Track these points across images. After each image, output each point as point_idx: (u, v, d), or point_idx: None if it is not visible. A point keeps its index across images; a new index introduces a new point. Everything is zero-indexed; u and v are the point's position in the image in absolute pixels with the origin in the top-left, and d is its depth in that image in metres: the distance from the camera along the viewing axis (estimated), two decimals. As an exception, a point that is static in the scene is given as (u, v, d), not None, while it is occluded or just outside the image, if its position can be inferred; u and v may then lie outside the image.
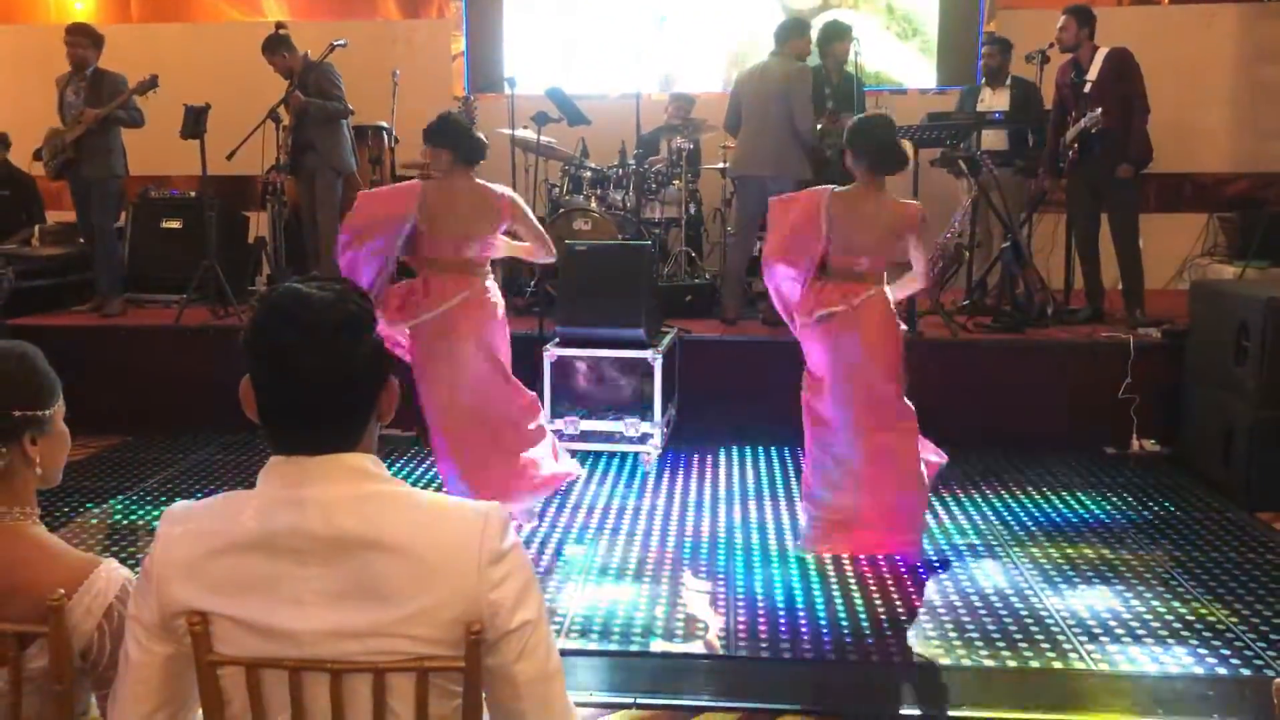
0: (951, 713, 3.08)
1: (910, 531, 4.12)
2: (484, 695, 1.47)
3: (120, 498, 4.99)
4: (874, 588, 3.92)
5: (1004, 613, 3.70)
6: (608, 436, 5.26)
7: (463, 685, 1.43)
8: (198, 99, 6.55)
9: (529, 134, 6.79)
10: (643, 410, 5.19)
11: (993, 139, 6.90)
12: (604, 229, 6.59)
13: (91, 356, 6.11)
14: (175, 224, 7.50)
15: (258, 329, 1.44)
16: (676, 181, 7.12)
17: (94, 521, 4.69)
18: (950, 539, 4.44)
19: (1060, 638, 3.50)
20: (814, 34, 6.65)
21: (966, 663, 3.35)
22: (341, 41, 6.74)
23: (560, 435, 5.22)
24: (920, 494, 4.08)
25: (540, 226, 4.44)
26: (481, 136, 4.37)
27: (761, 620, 3.65)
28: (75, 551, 1.71)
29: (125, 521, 4.70)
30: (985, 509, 4.81)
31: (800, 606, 3.77)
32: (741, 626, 3.61)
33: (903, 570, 4.07)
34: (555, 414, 5.23)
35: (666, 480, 5.24)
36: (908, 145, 4.88)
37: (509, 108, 6.41)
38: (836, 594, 3.87)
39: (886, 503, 4.10)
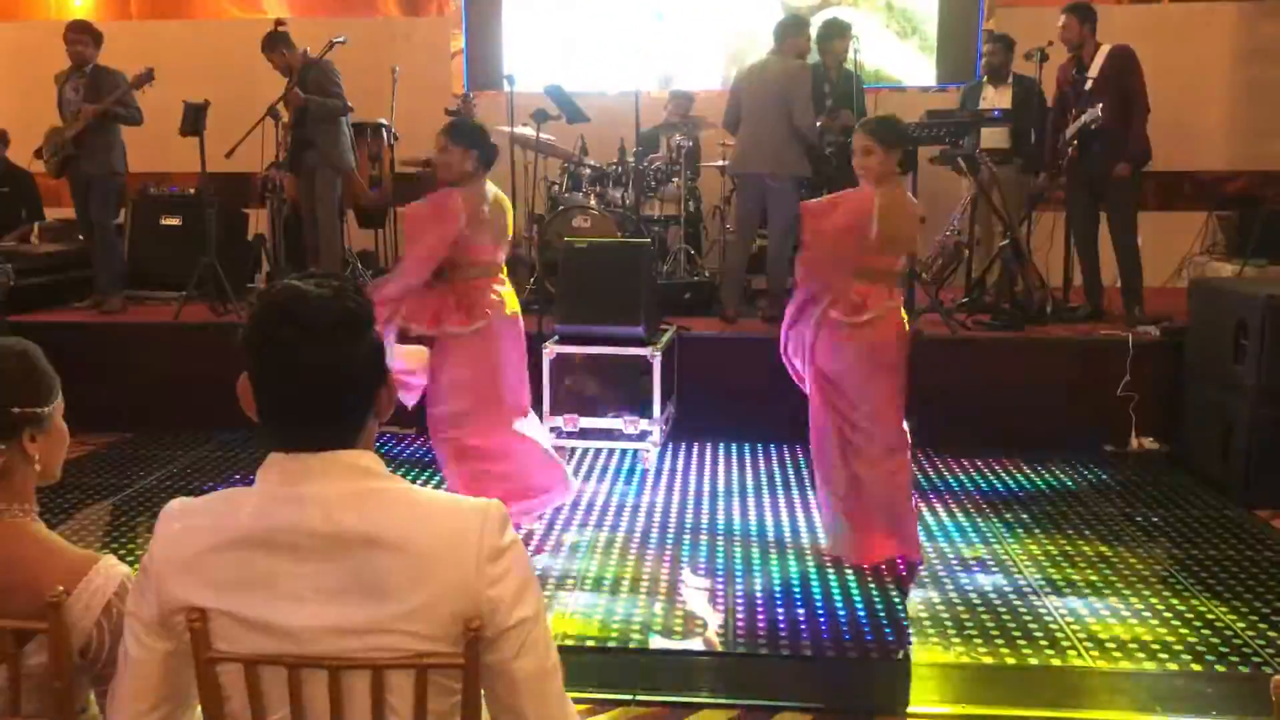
0: (951, 710, 3.09)
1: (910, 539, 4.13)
2: (482, 692, 1.48)
3: (119, 495, 5.00)
4: (873, 585, 3.92)
5: (1003, 610, 3.70)
6: (607, 434, 5.26)
7: (461, 682, 1.43)
8: (197, 96, 6.55)
9: (528, 131, 6.78)
10: (642, 408, 5.19)
11: (995, 137, 6.89)
12: (603, 227, 6.59)
13: (91, 354, 6.10)
14: (175, 221, 7.50)
15: (256, 326, 1.43)
16: (676, 179, 7.11)
17: (93, 518, 4.69)
18: (949, 537, 4.44)
19: (1059, 635, 3.50)
20: (813, 32, 6.64)
21: (966, 660, 3.36)
22: (341, 39, 6.73)
23: (559, 432, 5.23)
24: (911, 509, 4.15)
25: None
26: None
27: (760, 617, 3.66)
28: (74, 548, 1.71)
29: (124, 518, 4.70)
30: (984, 506, 4.81)
31: (799, 603, 3.77)
32: (740, 623, 3.62)
33: (901, 568, 4.07)
34: (555, 411, 5.23)
35: (665, 477, 5.24)
36: None
37: (508, 105, 6.40)
38: (835, 591, 3.88)
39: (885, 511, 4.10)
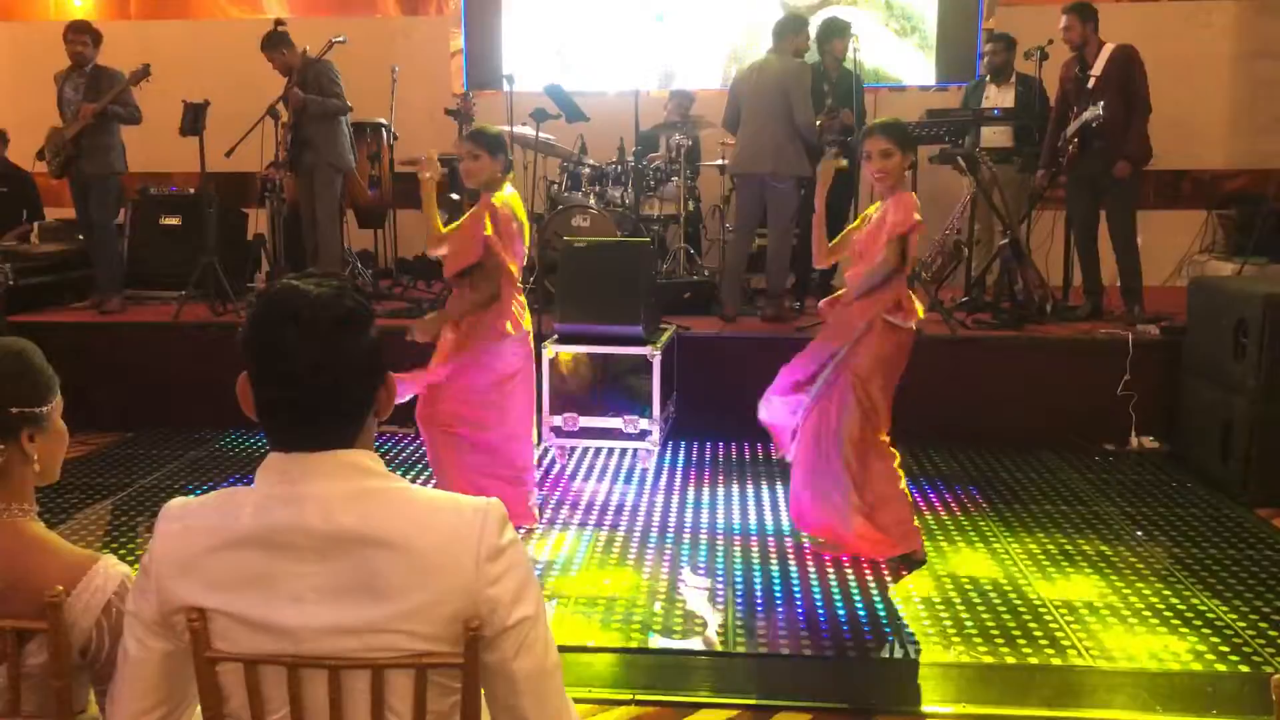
0: (950, 709, 3.08)
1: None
2: (482, 692, 1.47)
3: (119, 495, 5.00)
4: (873, 584, 3.92)
5: (1002, 609, 3.70)
6: (606, 433, 5.26)
7: (461, 682, 1.43)
8: (197, 96, 6.55)
9: (528, 131, 6.78)
10: (641, 407, 5.19)
11: (999, 136, 6.89)
12: (603, 226, 6.59)
13: (91, 353, 6.11)
14: (174, 221, 7.50)
15: (255, 325, 1.43)
16: (675, 179, 7.11)
17: (93, 518, 4.69)
18: (949, 535, 4.44)
19: (1059, 634, 3.50)
20: (812, 31, 6.64)
21: (966, 659, 3.35)
22: (341, 38, 6.74)
23: (559, 432, 5.23)
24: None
25: None
26: None
27: (760, 617, 3.66)
28: (74, 548, 1.71)
29: (124, 518, 4.70)
30: (983, 505, 4.82)
31: (799, 604, 3.77)
32: (740, 623, 3.62)
33: (901, 567, 4.07)
34: (554, 411, 5.23)
35: (665, 477, 5.24)
36: None
37: (507, 104, 6.40)
38: (835, 590, 3.88)
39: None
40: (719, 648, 3.46)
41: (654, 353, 5.17)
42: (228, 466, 5.44)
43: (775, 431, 4.22)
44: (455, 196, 7.01)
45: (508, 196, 4.19)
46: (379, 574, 1.39)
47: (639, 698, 3.12)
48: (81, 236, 7.12)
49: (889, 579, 3.97)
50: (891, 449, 4.05)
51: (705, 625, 3.61)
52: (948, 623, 3.60)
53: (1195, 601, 3.76)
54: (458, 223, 4.42)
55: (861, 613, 3.69)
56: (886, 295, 3.92)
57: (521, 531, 4.34)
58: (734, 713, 3.05)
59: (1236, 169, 8.30)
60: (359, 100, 7.03)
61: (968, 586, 3.91)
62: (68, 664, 1.60)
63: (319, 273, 1.49)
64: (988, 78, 7.13)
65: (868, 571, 4.04)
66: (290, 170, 6.86)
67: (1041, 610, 3.69)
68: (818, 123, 6.42)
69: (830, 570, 4.06)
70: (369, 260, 7.97)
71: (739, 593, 3.88)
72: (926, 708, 3.11)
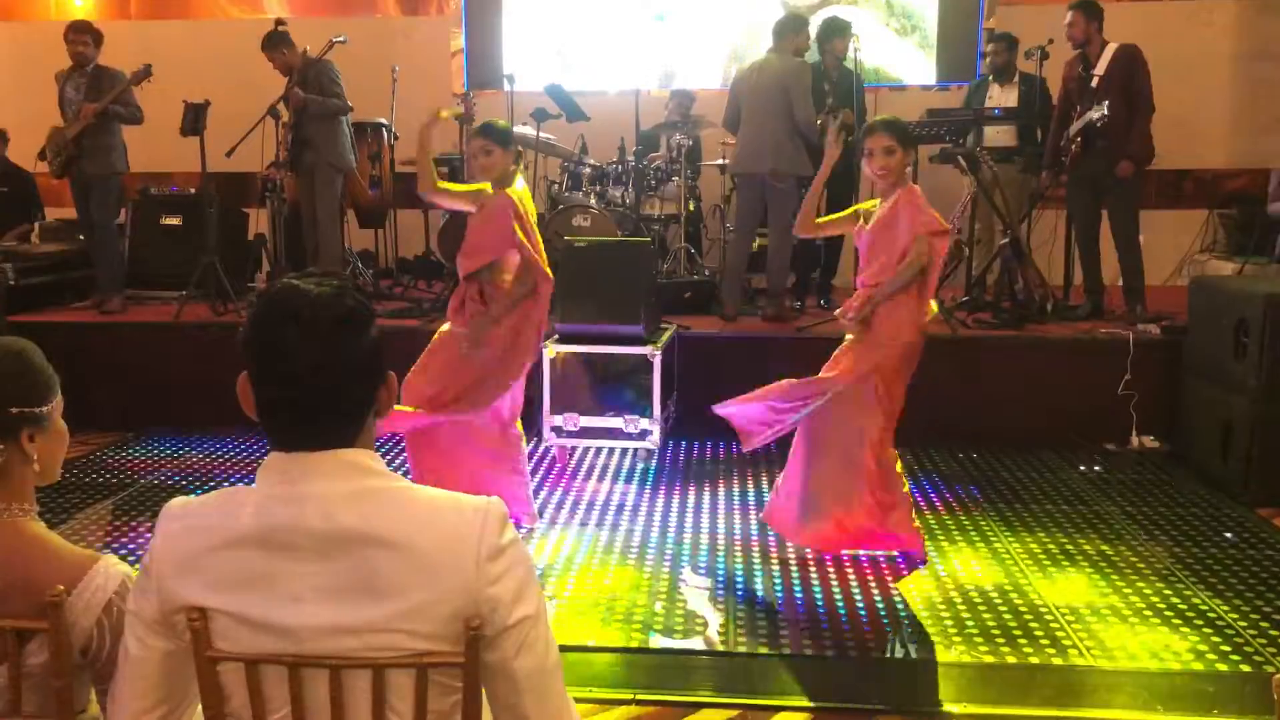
0: (950, 708, 3.08)
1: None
2: (483, 691, 1.47)
3: (119, 495, 5.00)
4: (873, 583, 3.92)
5: (1003, 608, 3.70)
6: (607, 432, 5.26)
7: (462, 681, 1.43)
8: (197, 96, 6.55)
9: (528, 130, 6.78)
10: (642, 406, 5.19)
11: (1002, 135, 6.89)
12: (603, 226, 6.59)
13: (91, 353, 6.11)
14: (175, 221, 7.50)
15: (256, 325, 1.43)
16: (676, 178, 7.11)
17: (93, 518, 4.69)
18: (949, 535, 4.44)
19: (1060, 633, 3.50)
20: (813, 30, 6.64)
21: (966, 658, 3.35)
22: (341, 38, 6.74)
23: (559, 431, 5.23)
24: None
25: None
26: None
27: (760, 616, 3.66)
28: (74, 548, 1.71)
29: (124, 518, 4.70)
30: (984, 505, 4.81)
31: (799, 603, 3.77)
32: (740, 623, 3.62)
33: (902, 566, 4.08)
34: (554, 410, 5.23)
35: (665, 477, 5.24)
36: None
37: (508, 104, 6.41)
38: (835, 590, 3.87)
39: None
40: (719, 647, 3.46)
41: (654, 352, 5.16)
42: (228, 466, 5.45)
43: (741, 425, 4.18)
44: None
45: (521, 191, 4.21)
46: (380, 573, 1.39)
47: (640, 697, 3.12)
48: (82, 236, 7.12)
49: (889, 579, 3.97)
50: (892, 449, 4.05)
51: (706, 625, 3.61)
52: (948, 622, 3.60)
53: (1196, 601, 3.76)
54: (462, 185, 4.46)
55: (862, 612, 3.69)
56: (912, 301, 3.91)
57: (521, 531, 4.34)
58: (734, 712, 3.05)
59: (1237, 169, 8.30)
60: (359, 100, 7.03)
61: (968, 586, 3.91)
62: (68, 664, 1.60)
63: (320, 272, 1.49)
64: (991, 77, 7.12)
65: (868, 571, 4.04)
66: (291, 170, 6.86)
67: (1042, 610, 3.69)
68: (818, 122, 6.42)
69: (830, 570, 4.06)
70: (369, 260, 7.97)
71: (739, 592, 3.88)
72: (927, 707, 3.11)
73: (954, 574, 4.03)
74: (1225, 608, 3.70)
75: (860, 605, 3.74)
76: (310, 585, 1.40)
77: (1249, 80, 8.20)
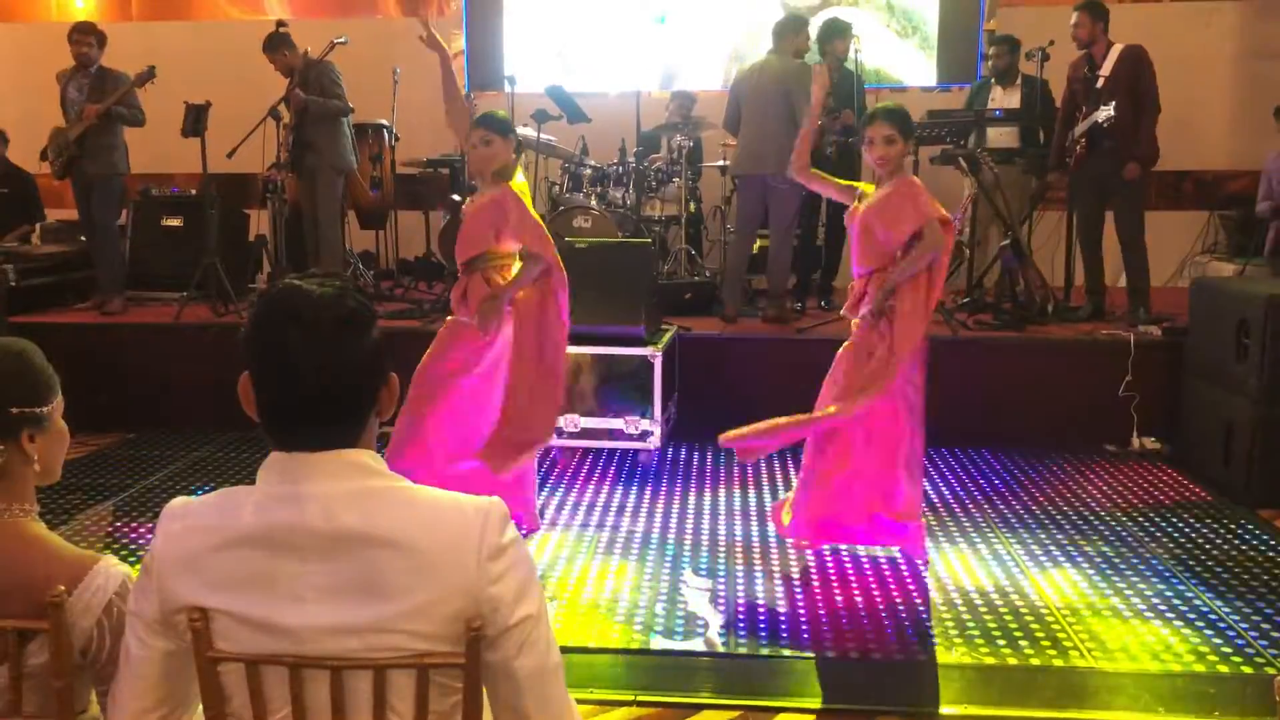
0: (951, 710, 3.08)
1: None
2: (484, 691, 1.47)
3: (120, 495, 5.00)
4: (874, 584, 3.92)
5: (1004, 609, 3.70)
6: (607, 434, 5.26)
7: (463, 681, 1.43)
8: (198, 97, 6.55)
9: (529, 132, 6.78)
10: (642, 408, 5.19)
11: (1004, 136, 6.89)
12: (604, 227, 6.59)
13: (92, 354, 6.11)
14: (176, 222, 7.49)
15: (257, 326, 1.43)
16: (677, 179, 7.11)
17: (94, 518, 4.69)
18: (949, 535, 4.44)
19: (1060, 634, 3.50)
20: (813, 32, 6.64)
21: (967, 660, 3.35)
22: (342, 39, 6.74)
23: (560, 433, 5.22)
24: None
25: None
26: None
27: (761, 617, 3.65)
28: (74, 548, 1.71)
29: (125, 518, 4.70)
30: (985, 506, 4.81)
31: (800, 604, 3.77)
32: (741, 624, 3.61)
33: (903, 567, 4.07)
34: (555, 411, 5.23)
35: (666, 478, 5.24)
36: None
37: (509, 105, 6.40)
38: (836, 591, 3.87)
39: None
40: (720, 648, 3.46)
41: (655, 353, 5.17)
42: (229, 467, 5.45)
43: (741, 449, 4.11)
44: (456, 198, 7.01)
45: (521, 185, 4.19)
46: (381, 573, 1.39)
47: (640, 699, 3.11)
48: (83, 237, 7.13)
49: (890, 579, 3.97)
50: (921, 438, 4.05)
51: (707, 626, 3.60)
52: (949, 623, 3.60)
53: (1197, 602, 3.76)
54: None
55: (862, 613, 3.68)
56: (921, 294, 3.89)
57: (522, 531, 4.33)
58: (735, 714, 3.05)
59: (1238, 170, 8.29)
60: (360, 101, 7.03)
61: (969, 587, 3.91)
62: (69, 664, 1.60)
63: (321, 273, 1.49)
64: (993, 79, 7.12)
65: (868, 572, 4.03)
66: (292, 171, 6.86)
67: (1043, 610, 3.69)
68: (818, 124, 6.41)
69: (831, 571, 4.06)
70: (370, 261, 7.98)
71: (740, 593, 3.88)
72: (928, 708, 3.10)
73: (954, 575, 4.02)
74: (1226, 609, 3.70)
75: (860, 606, 3.74)
76: (311, 585, 1.40)
77: (1250, 82, 8.20)
